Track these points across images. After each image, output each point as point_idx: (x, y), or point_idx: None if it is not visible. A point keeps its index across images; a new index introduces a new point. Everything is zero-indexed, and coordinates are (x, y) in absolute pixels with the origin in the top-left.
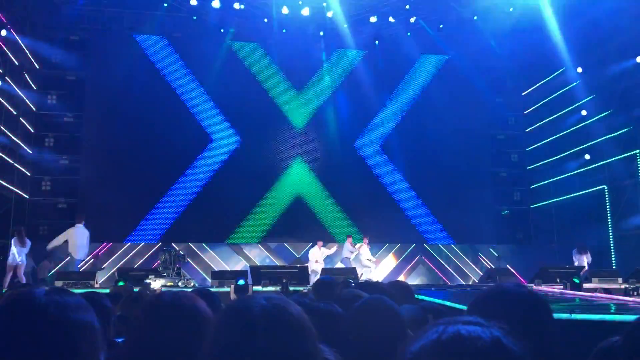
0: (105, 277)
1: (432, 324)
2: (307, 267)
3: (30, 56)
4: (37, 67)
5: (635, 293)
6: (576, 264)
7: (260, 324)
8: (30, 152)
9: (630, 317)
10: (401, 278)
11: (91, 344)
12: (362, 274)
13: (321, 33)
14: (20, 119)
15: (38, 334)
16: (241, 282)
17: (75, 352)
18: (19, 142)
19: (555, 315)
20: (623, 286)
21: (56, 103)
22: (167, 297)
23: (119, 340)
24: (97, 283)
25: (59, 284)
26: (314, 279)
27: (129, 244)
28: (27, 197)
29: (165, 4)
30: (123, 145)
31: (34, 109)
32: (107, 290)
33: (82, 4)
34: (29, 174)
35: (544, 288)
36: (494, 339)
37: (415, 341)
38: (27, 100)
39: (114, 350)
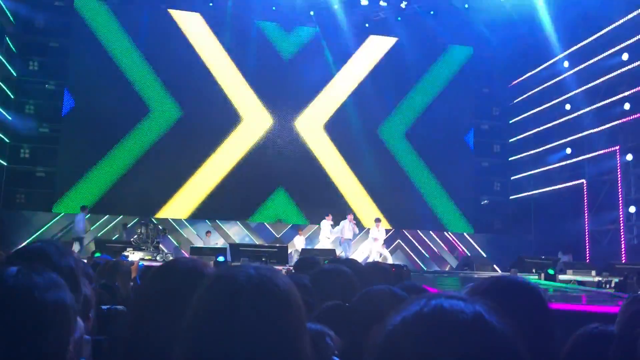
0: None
1: (415, 297)
2: (286, 247)
3: (12, 19)
4: (20, 32)
5: (608, 286)
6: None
7: (245, 293)
8: (10, 118)
9: (601, 308)
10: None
11: (61, 323)
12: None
13: (311, 13)
14: (0, 84)
15: (6, 318)
16: (221, 258)
17: (45, 333)
18: None
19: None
20: (596, 279)
21: (38, 70)
22: (182, 264)
23: (104, 307)
24: (73, 253)
25: None
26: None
27: (107, 215)
28: (5, 164)
29: None
30: (105, 116)
31: (15, 75)
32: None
33: None
34: (8, 141)
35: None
36: (476, 313)
37: (397, 313)
38: (7, 64)
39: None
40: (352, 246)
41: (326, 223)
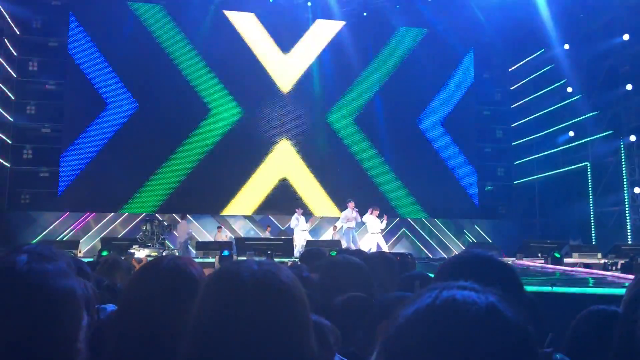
0: (89, 246)
1: (426, 287)
2: (292, 239)
3: (10, 21)
4: (18, 33)
5: (614, 268)
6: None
7: (249, 289)
8: (12, 119)
9: (607, 290)
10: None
11: (72, 310)
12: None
13: (309, 4)
14: (1, 85)
15: (19, 304)
16: (226, 252)
17: (57, 320)
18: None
19: (537, 288)
20: (602, 261)
21: (37, 70)
22: (166, 262)
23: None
24: (80, 252)
25: None
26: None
27: (112, 213)
28: (9, 165)
29: None
30: (106, 115)
31: (15, 76)
32: (91, 260)
33: None
34: (10, 142)
35: (525, 262)
36: (489, 304)
37: (409, 305)
38: (7, 66)
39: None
40: (356, 235)
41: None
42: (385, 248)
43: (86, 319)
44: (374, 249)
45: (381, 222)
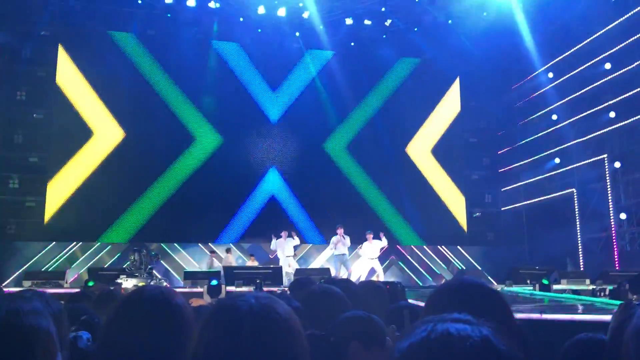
0: (75, 276)
1: (421, 320)
2: (280, 267)
3: None
4: (6, 63)
5: (602, 294)
6: None
7: (246, 323)
8: None
9: (597, 317)
10: (374, 278)
11: (46, 348)
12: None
13: (297, 34)
14: None
15: None
16: (214, 282)
17: (32, 358)
18: None
19: (526, 315)
20: (590, 287)
21: (25, 99)
22: (149, 293)
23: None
24: (66, 282)
25: (27, 284)
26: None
27: (99, 243)
28: None
29: (140, 1)
30: (92, 143)
31: (2, 105)
32: (77, 290)
33: None
34: None
35: (514, 289)
36: (484, 338)
37: (404, 339)
38: None
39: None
40: (348, 261)
41: (281, 241)
42: (381, 273)
43: (60, 357)
44: (364, 277)
45: (381, 239)
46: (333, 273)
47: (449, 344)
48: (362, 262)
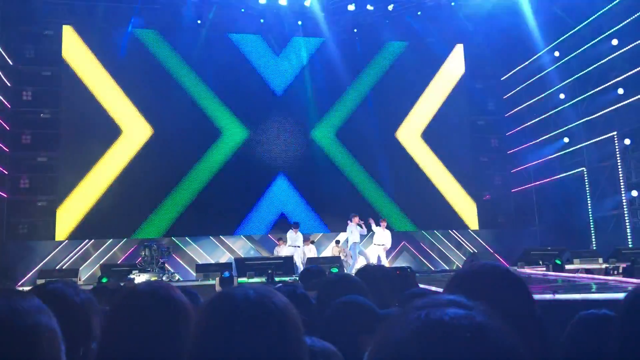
0: (89, 273)
1: (412, 306)
2: (292, 257)
3: (2, 52)
4: (11, 63)
5: (615, 272)
6: None
7: (243, 314)
8: (7, 150)
9: (611, 295)
10: (385, 264)
11: (49, 347)
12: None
13: (299, 22)
14: None
15: None
16: (226, 274)
17: (38, 358)
18: None
19: (539, 296)
20: (603, 266)
21: (32, 99)
22: (143, 287)
23: None
24: (80, 280)
25: (40, 281)
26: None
27: (111, 239)
28: (6, 196)
29: None
30: (102, 141)
31: (9, 106)
32: (91, 287)
33: None
34: (7, 173)
35: (527, 270)
36: (479, 324)
37: (395, 329)
38: (1, 97)
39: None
40: (360, 248)
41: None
42: (385, 262)
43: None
44: (374, 262)
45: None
46: (349, 261)
47: (444, 331)
48: (372, 249)
